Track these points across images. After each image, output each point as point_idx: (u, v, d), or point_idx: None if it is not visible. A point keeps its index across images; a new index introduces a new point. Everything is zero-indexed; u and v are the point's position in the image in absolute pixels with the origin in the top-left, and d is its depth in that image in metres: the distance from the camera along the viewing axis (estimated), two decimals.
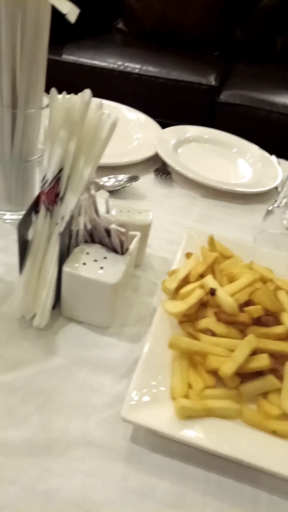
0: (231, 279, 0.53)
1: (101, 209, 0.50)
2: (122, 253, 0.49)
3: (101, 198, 0.50)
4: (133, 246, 0.50)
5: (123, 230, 0.45)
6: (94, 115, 0.50)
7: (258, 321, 0.48)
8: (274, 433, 0.40)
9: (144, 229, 0.56)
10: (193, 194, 0.79)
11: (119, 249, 0.48)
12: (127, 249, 0.49)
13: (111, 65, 1.57)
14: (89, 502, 0.34)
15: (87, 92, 0.49)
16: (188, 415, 0.39)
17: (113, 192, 0.74)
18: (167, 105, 1.56)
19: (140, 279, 0.58)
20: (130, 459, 0.38)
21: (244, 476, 0.38)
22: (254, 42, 1.96)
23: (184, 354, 0.44)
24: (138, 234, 0.52)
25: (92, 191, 0.48)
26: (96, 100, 0.52)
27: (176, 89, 1.54)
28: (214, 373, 0.43)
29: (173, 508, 0.35)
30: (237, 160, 0.92)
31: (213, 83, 1.54)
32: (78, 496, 0.35)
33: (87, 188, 0.49)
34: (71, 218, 0.47)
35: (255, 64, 1.86)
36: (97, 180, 0.74)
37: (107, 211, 0.51)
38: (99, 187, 0.73)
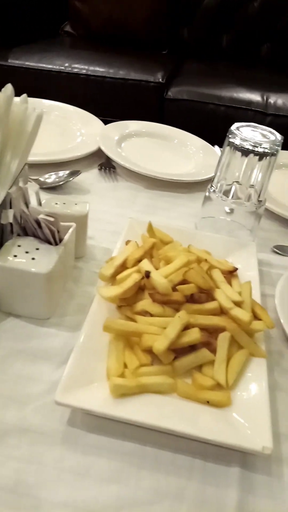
0: (167, 262, 0.54)
1: (33, 202, 0.50)
2: (56, 244, 0.49)
3: (32, 191, 0.51)
4: (68, 236, 0.51)
5: (51, 219, 0.46)
6: (18, 109, 0.50)
7: (191, 299, 0.49)
8: (207, 403, 0.41)
9: (81, 220, 0.56)
10: (137, 186, 0.81)
11: (52, 240, 0.48)
12: (61, 240, 0.50)
13: (58, 67, 1.57)
14: (24, 486, 0.35)
15: (8, 86, 0.49)
16: (123, 393, 0.40)
17: (56, 188, 0.74)
18: (117, 104, 1.58)
19: (82, 270, 0.58)
20: (66, 441, 0.38)
21: (179, 447, 0.39)
22: (201, 40, 2.00)
23: (120, 336, 0.45)
24: (73, 224, 0.53)
25: (21, 184, 0.48)
26: (23, 96, 0.52)
27: (124, 87, 1.55)
28: (150, 352, 0.44)
29: (109, 484, 0.36)
30: (179, 151, 0.94)
31: (161, 80, 1.57)
32: (12, 481, 0.35)
33: (16, 181, 0.49)
34: (0, 211, 0.47)
35: (203, 61, 1.90)
36: (38, 177, 0.75)
37: (39, 203, 0.52)
38: (40, 184, 0.73)
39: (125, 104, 1.58)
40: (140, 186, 0.81)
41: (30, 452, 0.37)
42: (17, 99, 0.51)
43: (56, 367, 0.44)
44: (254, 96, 1.58)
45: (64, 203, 0.57)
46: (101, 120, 0.98)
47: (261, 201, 0.66)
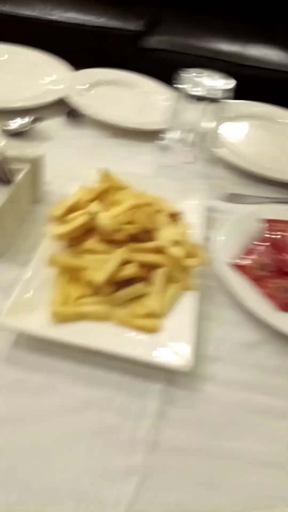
0: (117, 206, 0.57)
1: None
2: (7, 184, 0.52)
3: None
4: (20, 176, 0.53)
5: None
6: None
7: (135, 239, 0.52)
8: (140, 329, 0.45)
9: (35, 163, 0.58)
10: (102, 135, 0.82)
11: (4, 178, 0.51)
12: (12, 180, 0.52)
13: (34, 14, 1.51)
14: None
15: None
16: (62, 319, 0.44)
17: (22, 134, 0.75)
18: (93, 53, 1.53)
19: (38, 213, 0.61)
20: (9, 360, 0.43)
21: (111, 366, 0.44)
22: None
23: (65, 271, 0.48)
24: (26, 166, 0.55)
25: None
26: None
27: (102, 35, 1.51)
28: (92, 285, 0.48)
29: (43, 396, 0.41)
30: (148, 101, 0.94)
31: (139, 28, 1.52)
32: None
33: None
34: None
35: (183, 10, 1.83)
36: (5, 123, 0.75)
37: None
38: (7, 131, 0.74)
39: (101, 54, 1.53)
40: (105, 134, 0.82)
41: None
42: None
43: (6, 298, 0.48)
44: (233, 48, 1.56)
45: (19, 147, 0.58)
46: (79, 69, 0.97)
47: (213, 147, 0.68)
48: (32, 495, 0.34)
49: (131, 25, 1.53)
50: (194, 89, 0.62)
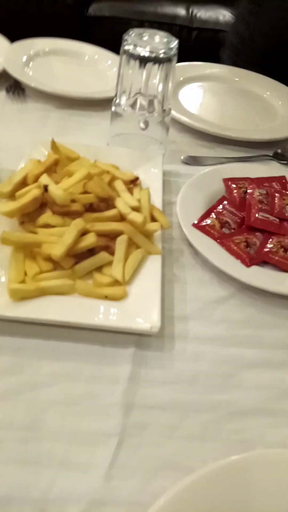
0: (70, 177, 0.55)
1: None
2: None
3: None
4: None
5: None
6: None
7: (91, 209, 0.51)
8: (106, 298, 0.44)
9: None
10: (48, 107, 0.78)
11: None
12: None
13: None
14: None
15: None
16: (22, 297, 0.42)
17: None
18: (35, 24, 1.46)
19: None
20: None
21: (78, 338, 0.43)
22: None
23: (20, 248, 0.46)
24: None
25: None
26: None
27: (41, 5, 1.43)
28: (51, 260, 0.46)
29: (10, 375, 0.39)
30: (92, 69, 0.91)
31: None
32: None
33: None
34: None
35: None
36: None
37: None
38: None
39: (44, 23, 1.46)
40: (51, 106, 0.78)
41: None
42: None
43: None
44: (179, 10, 1.52)
45: None
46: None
47: (165, 110, 0.67)
48: (11, 467, 0.34)
49: None
50: (137, 49, 0.59)
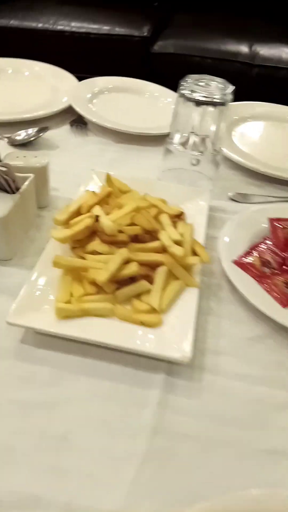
0: (120, 209, 0.59)
1: None
2: (13, 192, 0.55)
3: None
4: (25, 186, 0.56)
5: (4, 169, 0.51)
6: None
7: (136, 239, 0.55)
8: (142, 324, 0.47)
9: (40, 171, 0.61)
10: (107, 141, 0.84)
11: (8, 188, 0.54)
12: (18, 188, 0.55)
13: (42, 25, 1.56)
14: None
15: None
16: (66, 315, 0.46)
17: (26, 145, 0.78)
18: (102, 61, 1.57)
19: (44, 218, 0.64)
20: (17, 355, 0.45)
21: (114, 359, 0.46)
22: None
23: (69, 271, 0.51)
24: (31, 175, 0.58)
25: None
26: None
27: (109, 43, 1.55)
28: (96, 284, 0.50)
29: (49, 387, 0.43)
30: (151, 105, 0.96)
31: (145, 34, 1.55)
32: None
33: None
34: None
35: (193, 13, 1.86)
36: (10, 135, 0.79)
37: None
38: (11, 142, 0.78)
39: (110, 60, 1.57)
40: (110, 140, 0.85)
41: None
42: None
43: (13, 299, 0.51)
44: (242, 47, 1.56)
45: (24, 156, 0.62)
46: (87, 77, 1.01)
47: (216, 150, 0.70)
48: (42, 472, 0.37)
49: (138, 31, 1.56)
50: (193, 94, 0.64)
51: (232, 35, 1.62)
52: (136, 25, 1.58)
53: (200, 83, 0.66)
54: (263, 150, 0.86)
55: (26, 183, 0.56)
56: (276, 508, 0.34)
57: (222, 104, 0.65)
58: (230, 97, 0.65)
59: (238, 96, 1.03)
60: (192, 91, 0.64)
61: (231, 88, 0.65)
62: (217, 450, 0.40)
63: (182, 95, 0.65)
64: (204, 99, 0.64)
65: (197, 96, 0.64)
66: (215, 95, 0.64)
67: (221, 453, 0.40)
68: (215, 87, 0.65)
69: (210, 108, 0.65)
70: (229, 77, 1.00)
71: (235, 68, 1.53)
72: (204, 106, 0.65)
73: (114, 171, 0.66)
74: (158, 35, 1.61)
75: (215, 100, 0.64)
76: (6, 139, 0.78)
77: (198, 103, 0.65)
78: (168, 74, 1.37)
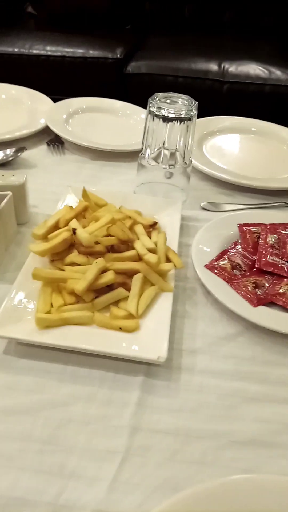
0: (96, 221, 0.62)
1: None
2: None
3: None
4: (3, 203, 0.59)
5: None
6: None
7: (112, 249, 0.57)
8: (120, 329, 0.50)
9: (18, 189, 0.64)
10: (83, 159, 0.88)
11: None
12: None
13: (19, 50, 1.61)
14: None
15: None
16: (47, 325, 0.48)
17: (4, 165, 0.81)
18: (78, 83, 1.62)
19: (24, 234, 0.66)
20: (0, 366, 0.47)
21: (95, 364, 0.48)
22: (163, 12, 2.03)
23: (48, 283, 0.53)
24: (9, 193, 0.60)
25: None
26: None
27: (84, 65, 1.60)
28: (75, 294, 0.52)
29: (33, 394, 0.45)
30: (124, 123, 1.01)
31: (119, 56, 1.61)
32: None
33: None
34: None
35: (166, 34, 1.93)
36: None
37: None
38: None
39: (86, 82, 1.62)
40: (86, 158, 0.88)
41: None
42: None
43: None
44: (212, 65, 1.63)
45: (2, 175, 0.64)
46: (63, 99, 1.04)
47: (186, 162, 0.74)
48: (28, 474, 0.39)
49: (112, 53, 1.61)
50: (161, 111, 0.68)
51: (203, 54, 1.68)
52: (109, 48, 1.64)
53: (167, 101, 0.70)
54: (232, 161, 0.90)
55: (5, 200, 0.59)
56: (254, 491, 0.36)
57: (188, 119, 0.68)
58: (195, 112, 0.69)
59: (211, 111, 1.08)
60: (160, 108, 0.68)
61: (196, 104, 0.69)
62: (195, 444, 0.42)
63: (151, 112, 0.69)
64: (171, 115, 0.68)
65: (165, 112, 0.68)
66: (181, 111, 0.68)
67: (199, 446, 0.42)
68: (181, 103, 0.70)
69: (177, 124, 0.69)
70: (201, 94, 1.06)
71: (206, 85, 1.59)
72: (172, 122, 0.69)
73: (91, 187, 0.69)
74: (132, 56, 1.67)
75: (181, 116, 0.68)
76: None
77: (166, 119, 0.68)
78: (142, 93, 1.42)
